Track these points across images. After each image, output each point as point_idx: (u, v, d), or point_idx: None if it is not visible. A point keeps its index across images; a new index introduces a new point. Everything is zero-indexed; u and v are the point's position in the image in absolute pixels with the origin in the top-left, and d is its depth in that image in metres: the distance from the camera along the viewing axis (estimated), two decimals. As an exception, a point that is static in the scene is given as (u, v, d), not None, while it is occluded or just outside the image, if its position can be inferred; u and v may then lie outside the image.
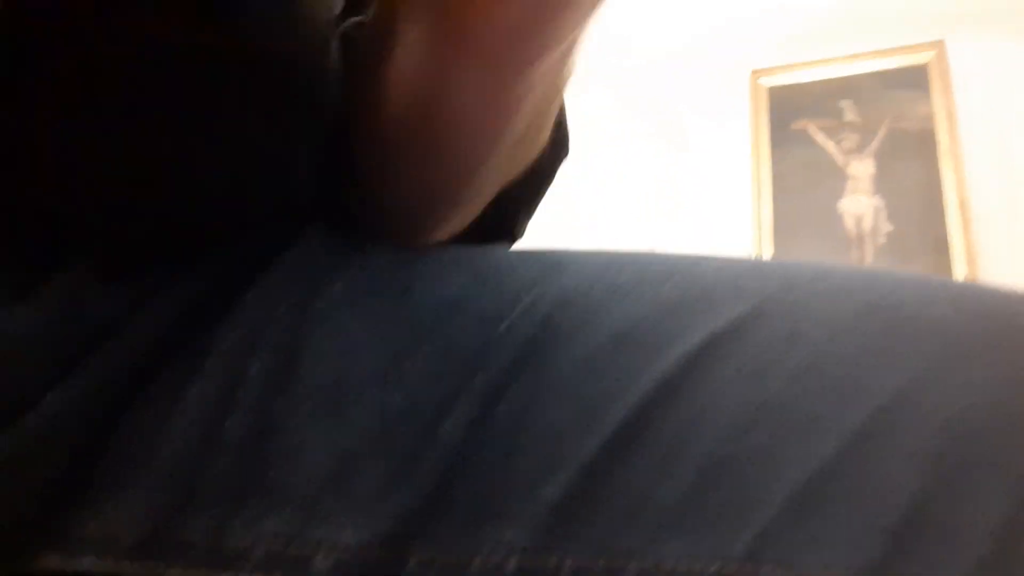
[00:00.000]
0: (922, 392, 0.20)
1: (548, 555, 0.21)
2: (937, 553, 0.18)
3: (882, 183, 2.32)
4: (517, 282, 0.26)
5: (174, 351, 0.25)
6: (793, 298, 0.22)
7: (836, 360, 0.20)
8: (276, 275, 0.27)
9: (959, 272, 2.14)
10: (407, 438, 0.23)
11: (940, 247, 2.19)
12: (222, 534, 0.22)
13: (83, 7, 0.23)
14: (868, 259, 2.25)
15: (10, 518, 0.22)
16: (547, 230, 2.53)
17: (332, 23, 0.31)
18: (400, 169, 0.30)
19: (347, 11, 0.33)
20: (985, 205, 2.22)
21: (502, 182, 0.31)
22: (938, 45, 2.40)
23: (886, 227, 2.27)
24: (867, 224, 2.29)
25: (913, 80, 2.39)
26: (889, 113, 2.39)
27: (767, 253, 2.33)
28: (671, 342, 0.22)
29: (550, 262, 0.27)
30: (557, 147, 0.36)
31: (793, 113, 2.48)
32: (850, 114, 2.43)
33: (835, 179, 2.37)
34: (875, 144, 2.37)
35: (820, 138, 2.43)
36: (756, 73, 2.56)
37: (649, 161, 2.68)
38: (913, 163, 2.31)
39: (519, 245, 0.43)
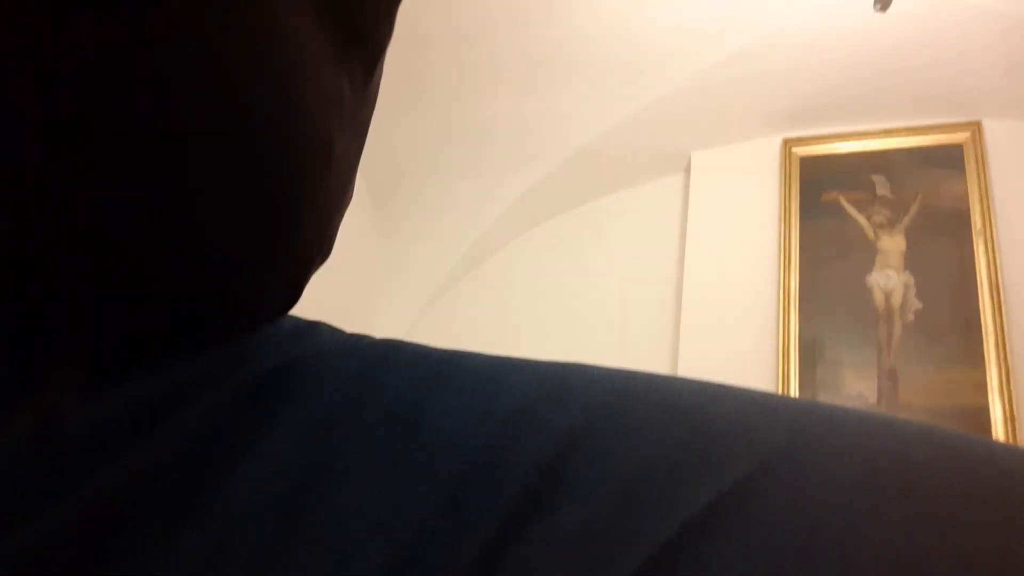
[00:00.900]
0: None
1: None
2: None
3: (913, 259, 2.30)
4: (523, 413, 0.25)
5: (164, 489, 0.24)
6: (801, 454, 0.21)
7: (836, 537, 0.19)
8: (286, 412, 0.26)
9: (989, 354, 2.09)
10: None
11: (971, 327, 2.15)
12: None
13: None
14: (897, 335, 2.21)
15: None
16: (565, 304, 2.50)
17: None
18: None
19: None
20: (1017, 287, 2.18)
21: None
22: (975, 126, 2.39)
23: (915, 304, 2.24)
24: (896, 300, 2.26)
25: (948, 159, 2.39)
26: (922, 190, 2.37)
27: (793, 324, 2.30)
28: (675, 503, 0.21)
29: (558, 383, 0.26)
30: None
31: (824, 184, 2.48)
32: (882, 188, 2.41)
33: (865, 252, 2.34)
34: (907, 220, 2.35)
35: (851, 211, 2.41)
36: (788, 142, 2.56)
37: (673, 226, 2.68)
38: (945, 241, 2.28)
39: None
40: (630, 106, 2.48)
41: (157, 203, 0.25)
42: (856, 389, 2.19)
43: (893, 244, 2.33)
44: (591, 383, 0.26)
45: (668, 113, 2.50)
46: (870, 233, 2.37)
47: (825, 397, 2.20)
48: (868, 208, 2.40)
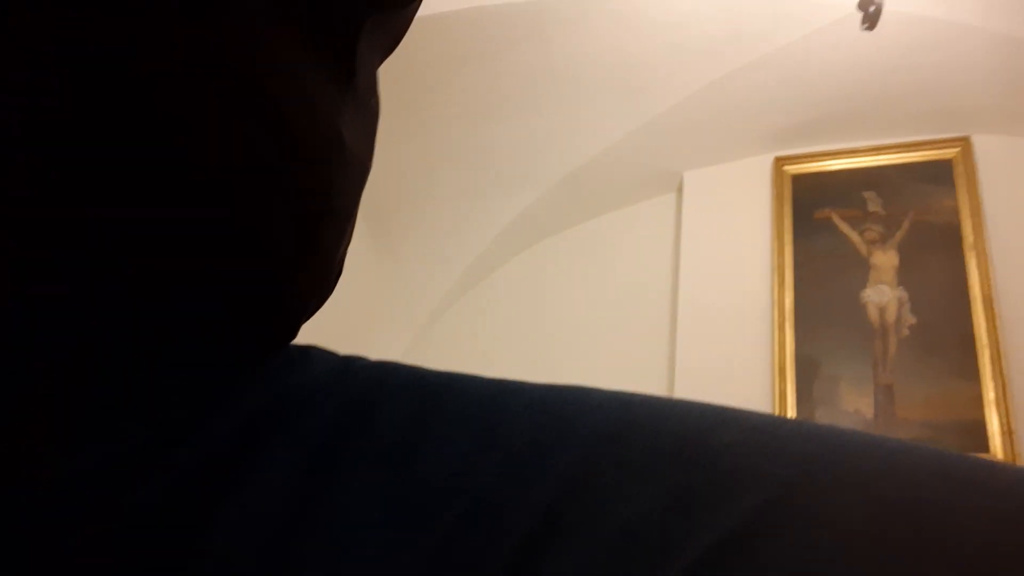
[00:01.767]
0: None
1: None
2: None
3: (906, 275, 2.30)
4: (523, 447, 0.24)
5: (151, 536, 0.24)
6: (809, 490, 0.20)
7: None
8: (278, 451, 0.26)
9: (985, 367, 2.10)
10: None
11: (966, 341, 2.16)
12: None
13: None
14: (892, 350, 2.22)
15: None
16: (562, 323, 2.50)
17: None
18: None
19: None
20: (1011, 300, 2.19)
21: None
22: (964, 141, 2.41)
23: (910, 319, 2.24)
24: (891, 315, 2.27)
25: (938, 174, 2.40)
26: (913, 205, 2.39)
27: (788, 341, 2.31)
28: (680, 544, 0.20)
29: (556, 412, 0.25)
30: None
31: (816, 201, 2.49)
32: (874, 205, 2.43)
33: (858, 268, 2.35)
34: (899, 235, 2.36)
35: (844, 227, 2.43)
36: (780, 160, 2.58)
37: (667, 245, 2.69)
38: (937, 256, 2.30)
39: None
40: (623, 127, 2.49)
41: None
42: (853, 405, 2.19)
43: (886, 260, 2.34)
44: (591, 412, 0.25)
45: (661, 133, 2.52)
46: (863, 249, 2.38)
47: (822, 413, 2.20)
48: (860, 224, 2.41)
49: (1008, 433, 2.02)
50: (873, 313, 2.29)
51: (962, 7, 2.07)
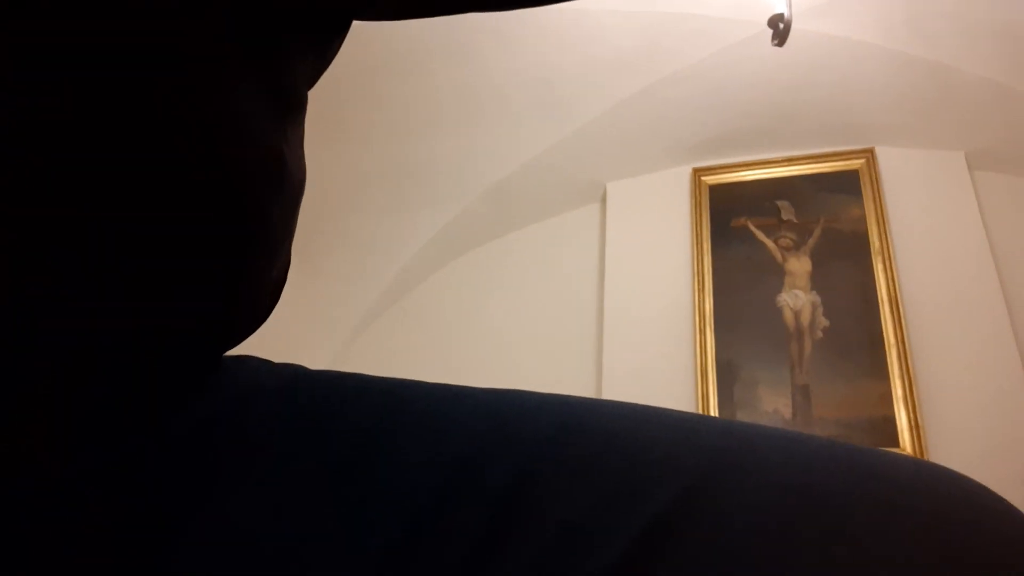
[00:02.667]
0: None
1: None
2: None
3: (819, 280, 2.41)
4: (471, 455, 0.26)
5: (115, 549, 0.25)
6: (723, 478, 0.23)
7: (755, 549, 0.21)
8: (232, 461, 0.27)
9: (893, 367, 2.20)
10: None
11: (875, 342, 2.26)
12: None
13: None
14: (808, 352, 2.31)
15: None
16: (490, 333, 2.49)
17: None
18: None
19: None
20: (916, 302, 2.30)
21: None
22: (868, 153, 2.54)
23: (823, 322, 2.34)
24: (805, 319, 2.36)
25: (846, 184, 2.52)
26: (824, 213, 2.50)
27: (709, 345, 2.38)
28: (616, 532, 0.23)
29: (500, 419, 0.27)
30: None
31: (733, 211, 2.58)
32: (787, 213, 2.53)
33: (774, 275, 2.45)
34: (811, 242, 2.46)
35: (759, 235, 2.52)
36: (698, 171, 2.66)
37: (592, 254, 2.74)
38: (847, 262, 2.40)
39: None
40: (546, 140, 2.53)
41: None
42: (772, 406, 2.27)
43: (799, 266, 2.44)
44: (530, 414, 0.27)
45: (583, 146, 2.57)
46: (778, 256, 2.48)
47: (743, 415, 2.27)
48: (775, 232, 2.51)
49: (915, 428, 2.12)
50: (789, 317, 2.38)
51: (865, 27, 2.18)
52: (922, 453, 2.08)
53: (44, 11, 0.23)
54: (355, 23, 0.36)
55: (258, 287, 0.32)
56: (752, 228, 2.54)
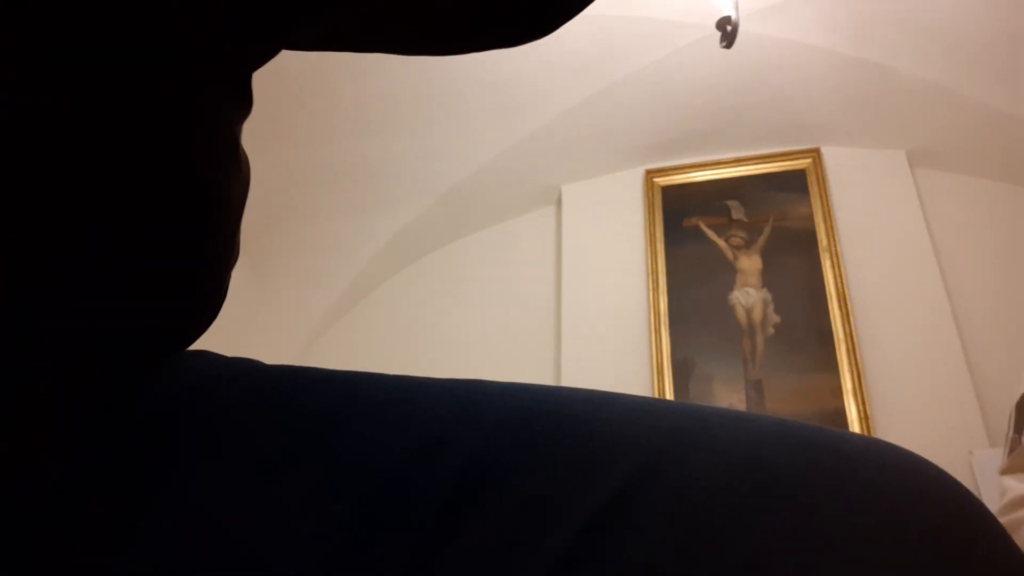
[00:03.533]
0: (775, 556, 0.21)
1: None
2: None
3: (769, 277, 2.46)
4: (432, 427, 0.26)
5: (85, 533, 0.25)
6: (676, 455, 0.24)
7: (709, 524, 0.22)
8: (194, 445, 0.27)
9: (842, 360, 2.26)
10: None
11: (824, 337, 2.32)
12: None
13: None
14: (760, 348, 2.36)
15: None
16: (449, 336, 2.48)
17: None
18: None
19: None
20: (863, 297, 2.37)
21: None
22: (814, 152, 2.60)
23: (774, 318, 2.39)
24: (757, 315, 2.41)
25: (793, 183, 2.58)
26: (773, 212, 2.55)
27: (665, 343, 2.41)
28: (576, 506, 0.23)
29: (465, 402, 0.28)
30: None
31: (685, 211, 2.62)
32: (737, 213, 2.58)
33: (726, 273, 2.49)
34: (761, 241, 2.52)
35: (711, 234, 2.57)
36: (650, 173, 2.70)
37: (548, 256, 2.76)
38: (796, 259, 2.46)
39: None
40: (501, 143, 2.55)
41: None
42: (727, 401, 2.32)
43: (750, 264, 2.49)
44: (494, 399, 0.28)
45: (538, 149, 2.59)
46: (729, 255, 2.52)
47: (699, 411, 2.30)
48: (726, 231, 2.56)
49: (865, 419, 2.18)
50: (741, 314, 2.43)
51: (810, 30, 2.24)
52: (871, 444, 2.14)
53: (44, 11, 0.23)
54: None
55: (220, 281, 0.33)
56: (704, 228, 2.58)
